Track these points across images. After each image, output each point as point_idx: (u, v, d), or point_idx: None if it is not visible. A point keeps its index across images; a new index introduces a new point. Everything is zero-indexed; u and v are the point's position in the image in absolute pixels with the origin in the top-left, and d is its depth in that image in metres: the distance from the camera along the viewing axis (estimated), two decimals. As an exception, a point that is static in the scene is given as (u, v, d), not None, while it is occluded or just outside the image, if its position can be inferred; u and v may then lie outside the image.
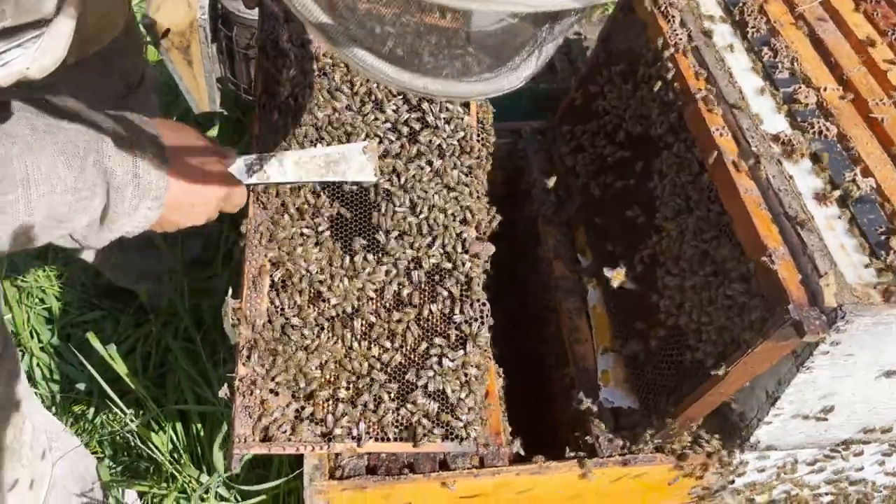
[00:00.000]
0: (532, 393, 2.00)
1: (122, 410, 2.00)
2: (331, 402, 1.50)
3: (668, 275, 1.56)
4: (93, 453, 2.21)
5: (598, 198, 1.90)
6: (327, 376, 1.50)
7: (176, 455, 2.00)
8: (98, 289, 2.57)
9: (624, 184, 1.79)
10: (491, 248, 1.63)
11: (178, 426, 2.05)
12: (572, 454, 1.64)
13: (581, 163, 1.96)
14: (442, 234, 1.60)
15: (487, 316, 1.61)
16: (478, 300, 1.61)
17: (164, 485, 1.97)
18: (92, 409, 2.28)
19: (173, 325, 2.32)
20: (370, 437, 1.49)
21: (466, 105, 1.61)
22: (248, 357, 1.46)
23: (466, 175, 1.61)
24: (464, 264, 1.61)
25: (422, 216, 1.58)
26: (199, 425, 2.05)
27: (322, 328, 1.53)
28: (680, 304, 1.52)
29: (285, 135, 1.55)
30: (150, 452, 1.99)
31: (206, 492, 1.92)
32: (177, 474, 1.92)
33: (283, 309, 1.51)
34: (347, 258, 1.58)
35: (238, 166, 1.42)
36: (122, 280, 2.46)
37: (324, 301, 1.53)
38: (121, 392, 2.16)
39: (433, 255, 1.58)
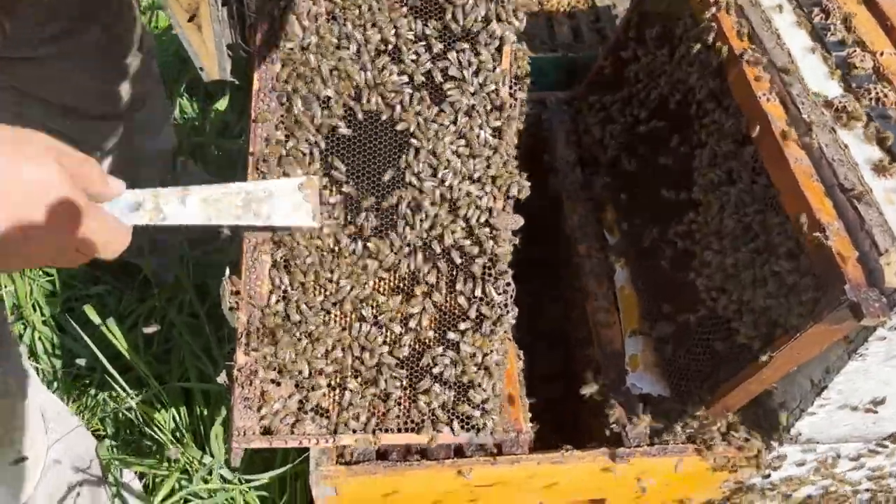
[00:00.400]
0: (554, 371, 1.89)
1: (122, 388, 1.91)
2: (337, 391, 1.40)
3: (707, 252, 1.44)
4: (94, 431, 2.14)
5: (627, 171, 1.78)
6: (334, 365, 1.39)
7: (178, 434, 1.91)
8: (104, 262, 2.48)
9: (657, 156, 1.67)
10: (519, 221, 1.49)
11: (182, 405, 1.96)
12: (595, 443, 1.53)
13: (610, 134, 1.84)
14: (465, 205, 1.46)
15: (512, 297, 1.48)
16: (503, 280, 1.48)
17: (166, 465, 1.88)
18: (94, 386, 2.20)
19: (178, 299, 2.23)
20: (380, 429, 1.39)
21: (499, 50, 1.45)
22: (248, 344, 1.36)
23: (494, 137, 1.46)
24: (488, 239, 1.47)
25: (442, 184, 1.44)
26: (203, 404, 1.96)
27: (328, 312, 1.41)
28: (720, 284, 1.40)
29: (287, 90, 1.41)
30: (152, 432, 1.91)
31: (210, 473, 1.84)
32: (178, 455, 1.83)
33: (285, 291, 1.39)
34: (359, 231, 1.44)
35: (122, 202, 1.14)
36: (126, 253, 2.37)
37: (331, 282, 1.41)
38: (124, 368, 2.08)
39: (454, 229, 1.45)
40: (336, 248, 1.42)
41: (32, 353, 2.30)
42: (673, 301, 1.57)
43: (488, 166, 1.46)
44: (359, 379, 1.40)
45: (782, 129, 1.34)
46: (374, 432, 1.38)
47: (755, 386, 1.35)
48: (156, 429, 1.89)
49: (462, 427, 1.42)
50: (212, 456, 1.87)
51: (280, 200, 1.29)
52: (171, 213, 1.19)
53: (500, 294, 1.45)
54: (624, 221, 1.78)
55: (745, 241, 1.36)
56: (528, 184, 1.49)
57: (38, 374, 2.27)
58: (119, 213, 1.13)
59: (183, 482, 1.86)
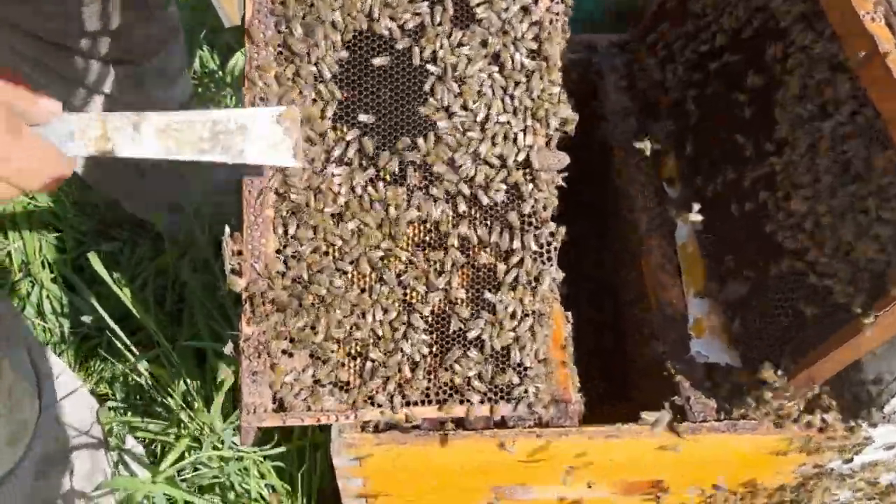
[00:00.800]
0: (603, 320, 1.70)
1: (126, 347, 1.76)
2: (358, 361, 1.24)
3: (794, 198, 1.24)
4: (102, 395, 2.00)
5: (692, 115, 1.58)
6: (352, 331, 1.22)
7: (189, 398, 1.76)
8: (116, 219, 2.34)
9: (729, 95, 1.47)
10: (564, 160, 1.31)
11: (194, 367, 1.81)
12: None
13: (672, 74, 1.64)
14: (500, 142, 1.27)
15: (556, 249, 1.31)
16: (545, 230, 1.30)
17: (175, 430, 1.73)
18: (103, 347, 2.06)
19: (191, 256, 2.08)
20: (408, 402, 1.23)
21: None
22: (254, 311, 1.20)
23: (532, 59, 1.27)
24: (527, 182, 1.29)
25: (472, 118, 1.25)
26: (217, 366, 1.81)
27: (344, 273, 1.23)
28: (810, 234, 1.21)
29: (286, 15, 1.21)
30: (161, 397, 1.76)
31: (221, 441, 1.69)
32: (188, 421, 1.68)
33: (294, 251, 1.22)
34: (374, 179, 1.25)
35: (61, 127, 0.97)
36: (140, 210, 2.22)
37: (344, 239, 1.24)
38: (135, 330, 1.94)
39: (487, 172, 1.25)
40: (350, 199, 1.24)
41: (40, 313, 2.17)
42: (746, 257, 1.37)
43: (527, 94, 1.27)
44: (381, 347, 1.23)
45: (888, 51, 1.13)
46: (401, 406, 1.22)
47: (851, 353, 1.15)
48: (165, 393, 1.74)
49: (501, 398, 1.26)
50: (225, 421, 1.72)
51: (254, 134, 1.09)
52: (122, 142, 1.01)
53: (541, 246, 1.28)
54: (687, 171, 1.58)
55: (842, 184, 1.16)
56: (575, 114, 1.31)
57: (45, 334, 2.14)
58: (57, 140, 0.97)
59: (193, 451, 1.71)
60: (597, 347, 1.54)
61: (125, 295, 1.78)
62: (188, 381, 1.75)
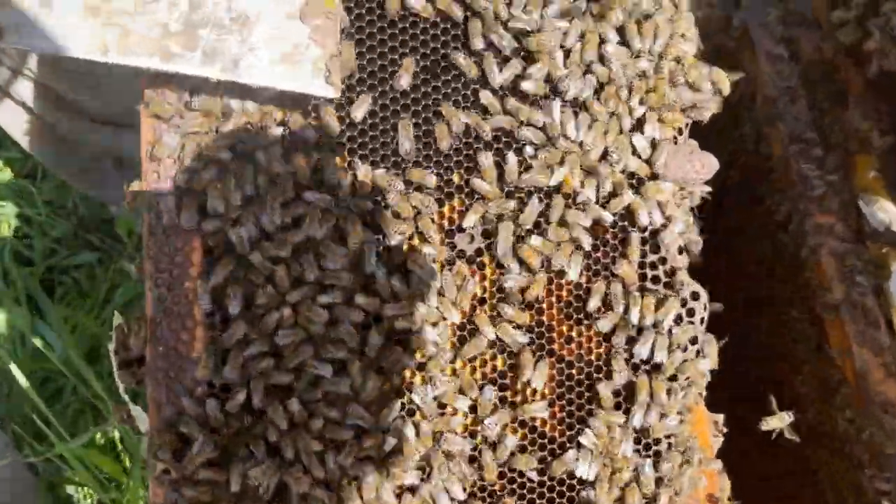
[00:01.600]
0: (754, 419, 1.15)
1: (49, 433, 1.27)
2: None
3: None
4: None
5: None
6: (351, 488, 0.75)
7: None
8: (97, 224, 1.89)
9: None
10: (713, 163, 0.87)
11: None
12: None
13: (881, 33, 1.05)
14: (615, 139, 0.78)
15: (703, 322, 0.80)
16: (685, 288, 0.81)
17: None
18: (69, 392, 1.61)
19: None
20: None
21: None
22: (168, 470, 0.68)
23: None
24: (651, 210, 0.80)
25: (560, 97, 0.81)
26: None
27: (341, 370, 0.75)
28: None
29: None
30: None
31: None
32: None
33: (244, 337, 0.72)
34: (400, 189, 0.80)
35: None
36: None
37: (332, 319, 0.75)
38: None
39: (579, 187, 0.81)
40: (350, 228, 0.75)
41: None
42: None
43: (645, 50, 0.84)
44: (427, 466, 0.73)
45: None
46: None
47: None
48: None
49: None
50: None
51: (262, 32, 0.63)
52: (12, 22, 0.55)
53: (679, 319, 0.77)
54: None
55: None
56: (726, 77, 0.91)
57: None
58: None
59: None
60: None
61: (74, 344, 1.30)
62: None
